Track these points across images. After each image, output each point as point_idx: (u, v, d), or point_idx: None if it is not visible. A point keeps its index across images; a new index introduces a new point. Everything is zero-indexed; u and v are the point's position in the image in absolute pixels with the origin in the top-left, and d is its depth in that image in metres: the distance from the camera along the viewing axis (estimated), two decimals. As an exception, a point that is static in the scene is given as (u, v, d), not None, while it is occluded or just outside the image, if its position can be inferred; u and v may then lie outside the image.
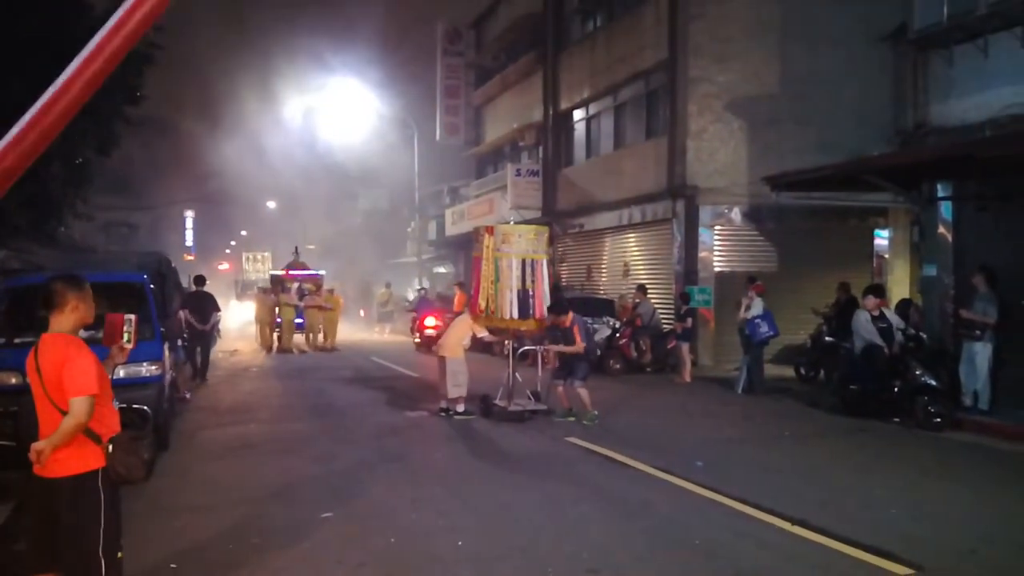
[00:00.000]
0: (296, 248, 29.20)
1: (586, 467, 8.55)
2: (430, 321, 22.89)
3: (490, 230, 11.65)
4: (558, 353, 11.35)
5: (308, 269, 27.78)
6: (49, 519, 3.82)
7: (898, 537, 6.02)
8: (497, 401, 11.35)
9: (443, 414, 11.50)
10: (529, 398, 11.52)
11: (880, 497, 7.26)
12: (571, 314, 11.17)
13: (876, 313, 11.19)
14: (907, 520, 6.54)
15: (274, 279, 27.32)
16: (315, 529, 6.33)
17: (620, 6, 22.14)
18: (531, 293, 11.35)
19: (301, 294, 24.68)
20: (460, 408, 11.41)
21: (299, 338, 24.18)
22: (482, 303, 11.38)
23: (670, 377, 15.73)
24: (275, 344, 23.49)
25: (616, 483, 7.84)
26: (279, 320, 23.78)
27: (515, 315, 11.28)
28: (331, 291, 25.46)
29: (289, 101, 39.15)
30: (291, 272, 27.01)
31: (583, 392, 10.98)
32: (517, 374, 11.66)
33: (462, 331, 11.77)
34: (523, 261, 11.41)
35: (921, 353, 10.80)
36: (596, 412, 10.92)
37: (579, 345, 10.89)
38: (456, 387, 11.39)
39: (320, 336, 24.25)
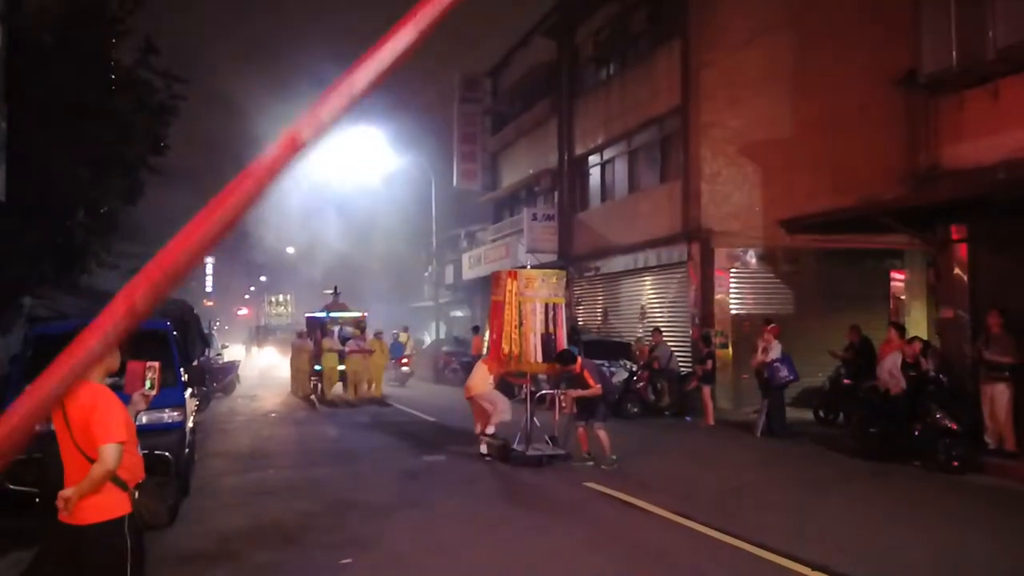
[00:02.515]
0: (335, 287, 26.05)
1: (605, 512, 8.54)
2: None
3: (513, 275, 11.74)
4: (576, 397, 11.33)
5: (348, 310, 25.06)
6: (74, 566, 3.88)
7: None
8: (515, 446, 11.33)
9: (489, 438, 11.64)
10: (547, 442, 11.50)
11: (901, 541, 7.21)
12: (579, 360, 11.22)
13: (912, 360, 11.17)
14: (928, 565, 6.50)
15: (312, 322, 24.49)
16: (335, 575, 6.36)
17: (633, 54, 22.47)
18: (553, 337, 11.43)
19: (343, 339, 22.00)
20: (491, 429, 11.47)
21: (337, 387, 21.85)
22: (506, 347, 11.42)
23: (695, 420, 15.67)
24: (313, 394, 21.65)
25: (636, 529, 7.83)
26: (317, 368, 21.72)
27: (539, 359, 11.36)
28: (378, 334, 22.92)
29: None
30: (332, 314, 24.20)
31: (603, 434, 10.97)
32: (535, 418, 11.67)
33: (484, 371, 11.91)
34: (546, 305, 11.51)
35: (941, 395, 10.75)
36: (615, 456, 10.89)
37: (595, 388, 10.92)
38: (499, 413, 11.48)
39: (364, 385, 21.34)
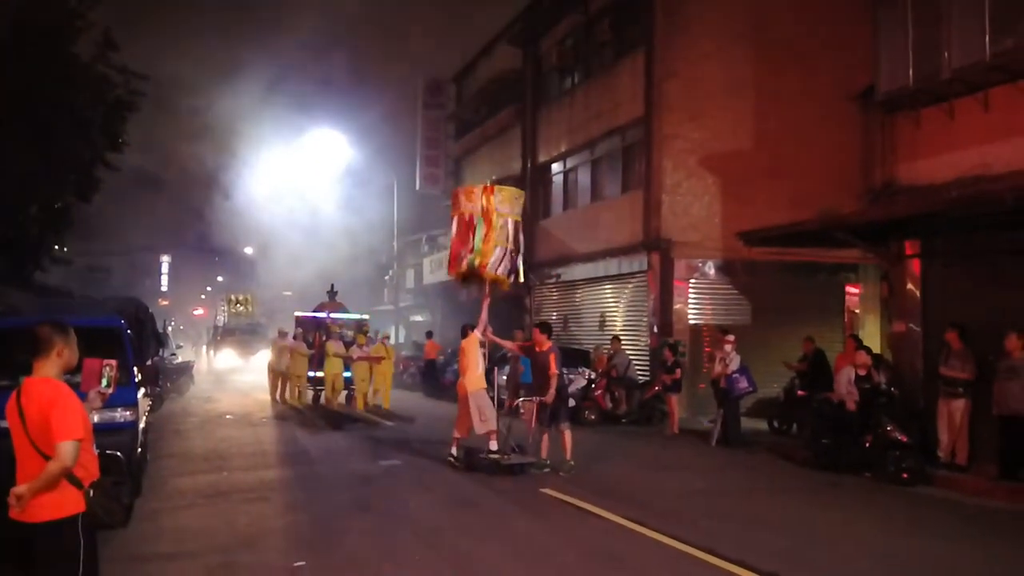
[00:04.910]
0: (332, 286, 24.34)
1: (560, 518, 8.56)
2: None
3: (490, 189, 11.57)
4: (540, 402, 11.18)
5: (347, 311, 23.46)
6: (26, 565, 3.82)
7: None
8: (482, 455, 11.15)
9: (452, 460, 11.35)
10: (514, 450, 11.31)
11: (851, 549, 7.33)
12: (551, 342, 11.26)
13: (864, 372, 11.36)
14: (877, 573, 6.61)
15: (308, 322, 22.36)
16: (288, 578, 6.32)
17: (597, 64, 22.61)
18: (515, 255, 11.46)
19: (346, 343, 20.21)
20: (493, 445, 11.08)
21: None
22: (477, 260, 11.26)
23: (658, 428, 15.78)
24: (300, 401, 20.46)
25: (590, 534, 7.86)
26: (314, 374, 20.38)
27: (501, 272, 11.31)
28: (385, 338, 21.33)
29: (268, 149, 39.28)
30: (332, 315, 22.40)
31: (568, 435, 10.98)
32: (503, 425, 11.47)
33: (473, 355, 11.55)
34: (515, 223, 11.51)
35: (892, 408, 10.94)
36: (573, 462, 10.92)
37: (553, 371, 10.89)
38: (483, 422, 11.15)
39: (370, 394, 19.81)
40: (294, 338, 21.12)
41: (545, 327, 11.52)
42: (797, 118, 18.05)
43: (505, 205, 11.45)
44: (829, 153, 17.92)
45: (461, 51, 32.66)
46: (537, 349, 11.23)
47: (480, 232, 11.30)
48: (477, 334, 11.63)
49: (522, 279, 11.81)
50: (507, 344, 12.65)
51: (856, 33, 14.75)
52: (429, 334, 25.99)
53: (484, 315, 11.61)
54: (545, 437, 11.19)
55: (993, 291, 10.94)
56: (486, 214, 11.30)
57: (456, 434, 11.57)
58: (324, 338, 20.78)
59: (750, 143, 18.38)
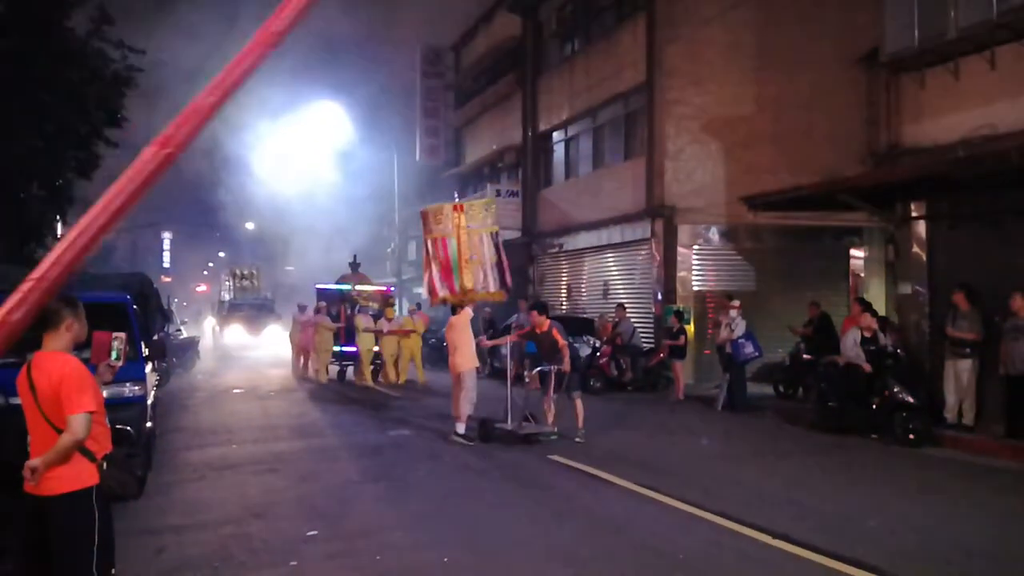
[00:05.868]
0: (355, 257, 23.57)
1: (570, 485, 8.59)
2: None
3: (460, 208, 11.69)
4: (558, 371, 11.05)
5: (370, 283, 22.57)
6: (41, 537, 3.83)
7: (876, 549, 6.11)
8: (499, 425, 11.14)
9: (462, 439, 11.12)
10: (528, 419, 11.27)
11: (860, 510, 7.34)
12: (549, 320, 11.27)
13: (869, 334, 11.36)
14: (885, 533, 6.64)
15: (330, 295, 21.35)
16: (301, 547, 6.35)
17: (597, 30, 22.40)
18: (501, 264, 11.65)
19: (375, 317, 19.51)
20: (460, 428, 11.11)
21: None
22: (468, 283, 11.45)
23: (663, 394, 15.87)
24: (327, 377, 19.95)
25: (600, 500, 7.89)
26: (339, 348, 19.82)
27: (491, 288, 11.54)
28: (415, 308, 20.77)
29: (267, 121, 39.01)
30: (358, 288, 21.53)
31: (579, 404, 11.05)
32: (516, 396, 11.47)
33: (465, 332, 11.51)
34: (491, 235, 11.67)
35: (899, 370, 10.95)
36: (584, 430, 10.94)
37: (563, 343, 10.90)
38: (469, 402, 11.23)
39: (402, 369, 19.37)
40: (317, 311, 20.48)
41: (541, 308, 11.51)
42: (800, 81, 17.88)
43: (476, 220, 11.61)
44: (833, 116, 17.80)
45: (460, 18, 32.29)
46: (538, 331, 11.20)
47: (455, 255, 11.45)
48: (469, 311, 11.68)
49: (509, 283, 11.96)
50: (507, 339, 12.52)
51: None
52: (418, 306, 25.98)
53: (468, 313, 11.77)
54: (552, 406, 11.21)
55: (999, 252, 10.92)
56: (459, 236, 11.46)
57: (456, 414, 11.60)
58: (349, 311, 20.27)
59: (753, 107, 18.23)
